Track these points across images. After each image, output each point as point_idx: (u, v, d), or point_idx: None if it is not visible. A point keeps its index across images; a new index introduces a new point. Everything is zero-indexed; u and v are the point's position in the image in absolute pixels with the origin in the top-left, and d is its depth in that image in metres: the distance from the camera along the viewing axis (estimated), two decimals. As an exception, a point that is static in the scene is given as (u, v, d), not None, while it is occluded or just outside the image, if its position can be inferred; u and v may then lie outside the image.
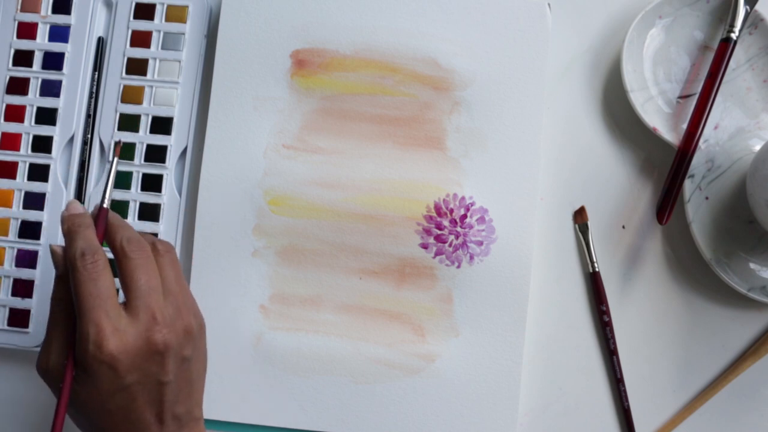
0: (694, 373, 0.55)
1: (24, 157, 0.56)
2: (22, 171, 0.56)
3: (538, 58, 0.55)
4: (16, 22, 0.57)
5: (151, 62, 0.56)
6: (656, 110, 0.55)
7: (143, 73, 0.56)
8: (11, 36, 0.57)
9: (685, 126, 0.55)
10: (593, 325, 0.55)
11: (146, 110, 0.56)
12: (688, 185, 0.54)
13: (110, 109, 0.56)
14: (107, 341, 0.40)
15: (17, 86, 0.57)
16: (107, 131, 0.56)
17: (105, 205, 0.45)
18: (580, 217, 0.56)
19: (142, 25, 0.57)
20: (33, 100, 0.57)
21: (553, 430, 0.55)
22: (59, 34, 0.57)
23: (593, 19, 0.57)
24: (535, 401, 0.55)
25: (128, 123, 0.56)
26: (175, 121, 0.56)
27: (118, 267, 0.43)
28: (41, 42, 0.57)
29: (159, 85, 0.56)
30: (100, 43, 0.57)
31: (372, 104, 0.55)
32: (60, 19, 0.57)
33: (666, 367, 0.55)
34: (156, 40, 0.57)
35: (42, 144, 0.56)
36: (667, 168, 0.55)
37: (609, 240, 0.56)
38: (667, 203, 0.54)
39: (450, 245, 0.54)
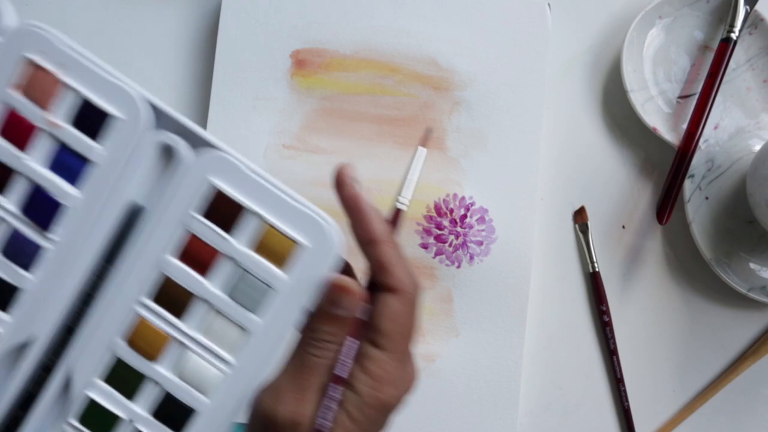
0: (694, 373, 0.55)
1: None
2: None
3: (538, 58, 0.55)
4: None
5: None
6: (656, 110, 0.55)
7: None
8: None
9: (685, 126, 0.55)
10: (593, 325, 0.55)
11: None
12: (688, 185, 0.54)
13: None
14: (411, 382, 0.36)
15: None
16: None
17: (405, 207, 0.38)
18: (580, 217, 0.56)
19: None
20: None
21: (553, 430, 0.55)
22: None
23: (593, 19, 0.57)
24: (535, 401, 0.55)
25: None
26: None
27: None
28: None
29: None
30: None
31: (372, 104, 0.55)
32: None
33: (666, 367, 0.55)
34: None
35: None
36: (667, 168, 0.55)
37: (609, 240, 0.56)
38: (667, 203, 0.54)
39: (450, 245, 0.54)
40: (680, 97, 0.56)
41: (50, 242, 0.34)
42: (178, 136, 0.34)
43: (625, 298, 0.56)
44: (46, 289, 0.34)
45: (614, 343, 0.55)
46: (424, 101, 0.55)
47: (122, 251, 0.34)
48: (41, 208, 0.34)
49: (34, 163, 0.34)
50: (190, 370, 0.34)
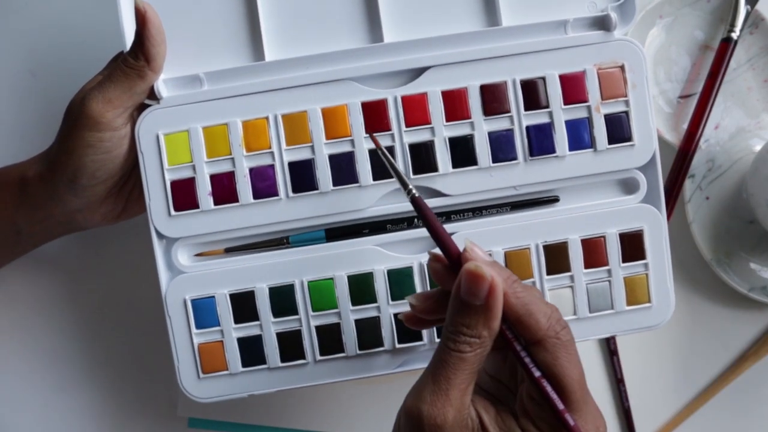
0: (694, 373, 0.55)
1: None
2: None
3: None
4: None
5: None
6: (657, 110, 0.55)
7: None
8: None
9: (685, 126, 0.55)
10: (593, 325, 0.55)
11: None
12: (688, 185, 0.54)
13: None
14: None
15: None
16: None
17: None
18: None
19: None
20: None
21: (553, 430, 0.55)
22: None
23: (594, 19, 0.57)
24: (535, 401, 0.55)
25: None
26: None
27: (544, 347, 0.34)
28: None
29: None
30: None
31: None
32: None
33: (666, 367, 0.55)
34: None
35: None
36: (667, 168, 0.55)
37: (609, 240, 0.56)
38: (667, 203, 0.54)
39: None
40: (681, 97, 0.56)
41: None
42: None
43: (626, 298, 0.55)
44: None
45: (614, 343, 0.55)
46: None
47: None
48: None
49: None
50: None
